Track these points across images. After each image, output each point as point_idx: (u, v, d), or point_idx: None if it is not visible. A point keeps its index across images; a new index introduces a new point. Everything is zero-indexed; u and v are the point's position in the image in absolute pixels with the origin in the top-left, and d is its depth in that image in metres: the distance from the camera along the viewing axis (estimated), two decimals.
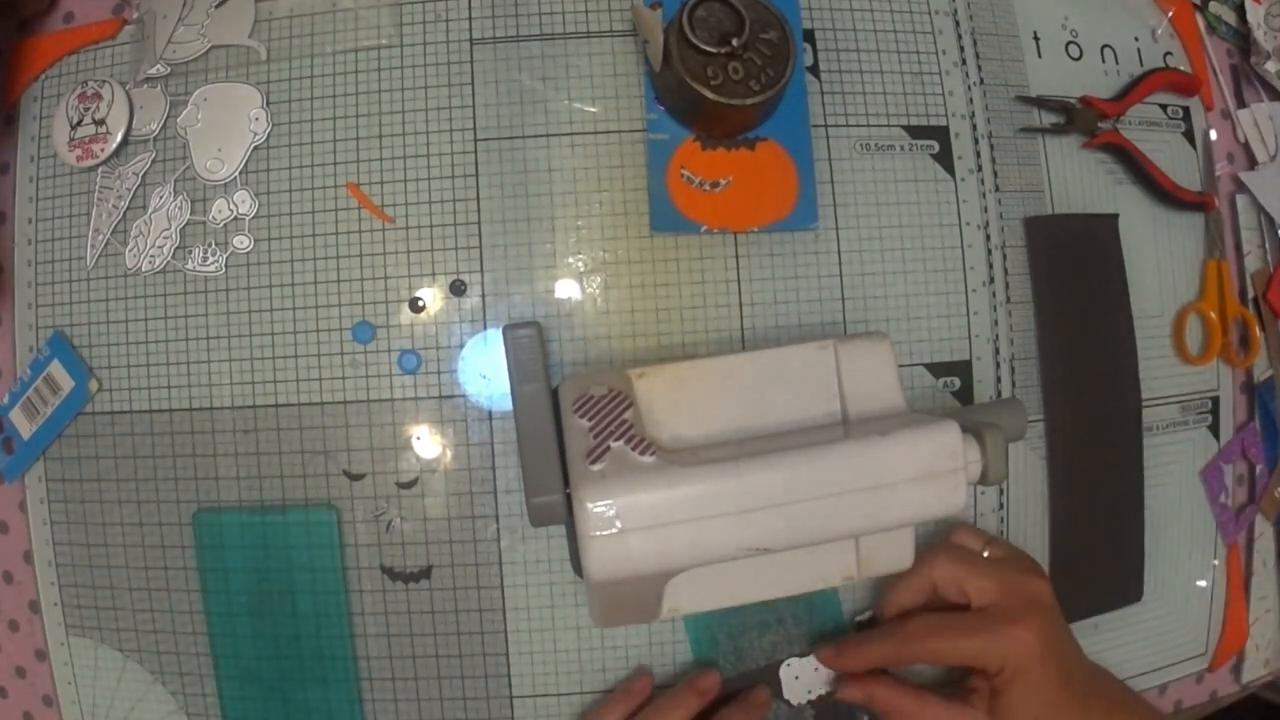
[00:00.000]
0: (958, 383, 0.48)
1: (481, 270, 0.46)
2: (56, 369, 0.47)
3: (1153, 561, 0.51)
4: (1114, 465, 0.51)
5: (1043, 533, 0.50)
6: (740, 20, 0.43)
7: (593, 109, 0.47)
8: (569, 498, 0.36)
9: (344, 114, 0.47)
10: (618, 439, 0.36)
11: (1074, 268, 0.50)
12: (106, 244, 0.48)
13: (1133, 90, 0.51)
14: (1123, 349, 0.51)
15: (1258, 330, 0.53)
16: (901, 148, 0.49)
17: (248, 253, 0.47)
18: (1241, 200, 0.54)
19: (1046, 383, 0.49)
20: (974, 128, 0.50)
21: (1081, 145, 0.51)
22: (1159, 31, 0.54)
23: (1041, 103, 0.51)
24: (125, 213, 0.47)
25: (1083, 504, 0.50)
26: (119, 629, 0.48)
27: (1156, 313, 0.52)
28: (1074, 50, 0.52)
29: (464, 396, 0.46)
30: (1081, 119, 0.50)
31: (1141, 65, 0.53)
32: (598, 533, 0.33)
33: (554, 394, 0.40)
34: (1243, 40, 0.56)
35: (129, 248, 0.47)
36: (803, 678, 0.46)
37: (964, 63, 0.50)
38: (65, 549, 0.48)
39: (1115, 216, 0.51)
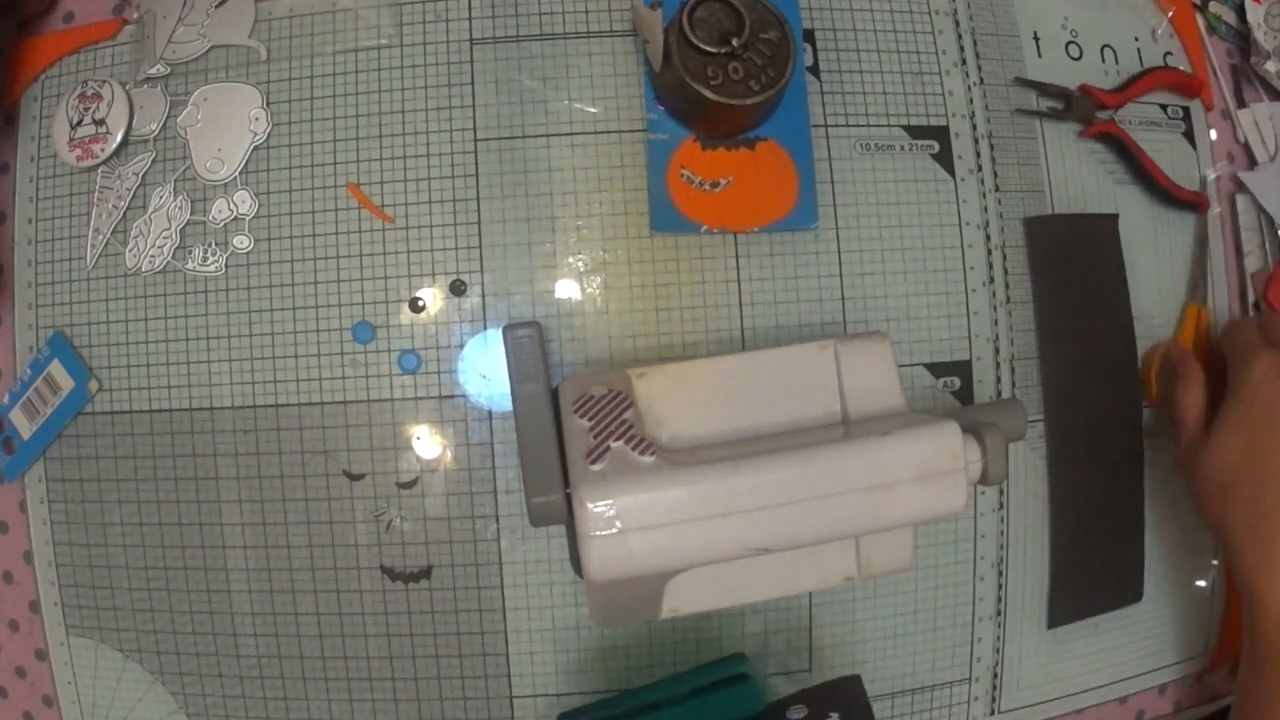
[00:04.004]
0: (958, 383, 0.48)
1: (481, 270, 0.46)
2: (56, 369, 0.47)
3: (1153, 561, 0.51)
4: (1114, 465, 0.51)
5: (1043, 533, 0.50)
6: (740, 20, 0.43)
7: (593, 109, 0.47)
8: (569, 498, 0.36)
9: (344, 114, 0.47)
10: (618, 439, 0.36)
11: (1074, 267, 0.50)
12: (106, 244, 0.48)
13: (1133, 84, 0.51)
14: (1122, 349, 0.51)
15: None
16: (901, 148, 0.49)
17: (248, 253, 0.47)
18: (1241, 200, 0.54)
19: (1046, 383, 0.49)
20: (974, 128, 0.50)
21: (1078, 134, 0.51)
22: (1159, 31, 0.54)
23: (1041, 87, 0.50)
24: (125, 213, 0.47)
25: (1083, 504, 0.50)
26: (119, 629, 0.48)
27: (1157, 312, 0.52)
28: (1074, 50, 0.52)
29: (464, 396, 0.46)
30: (1080, 106, 0.50)
31: (1141, 65, 0.53)
32: (598, 533, 0.33)
33: (554, 394, 0.40)
34: (1243, 40, 0.56)
35: (129, 248, 0.47)
36: None
37: (964, 63, 0.50)
38: (65, 549, 0.48)
39: (1115, 216, 0.51)
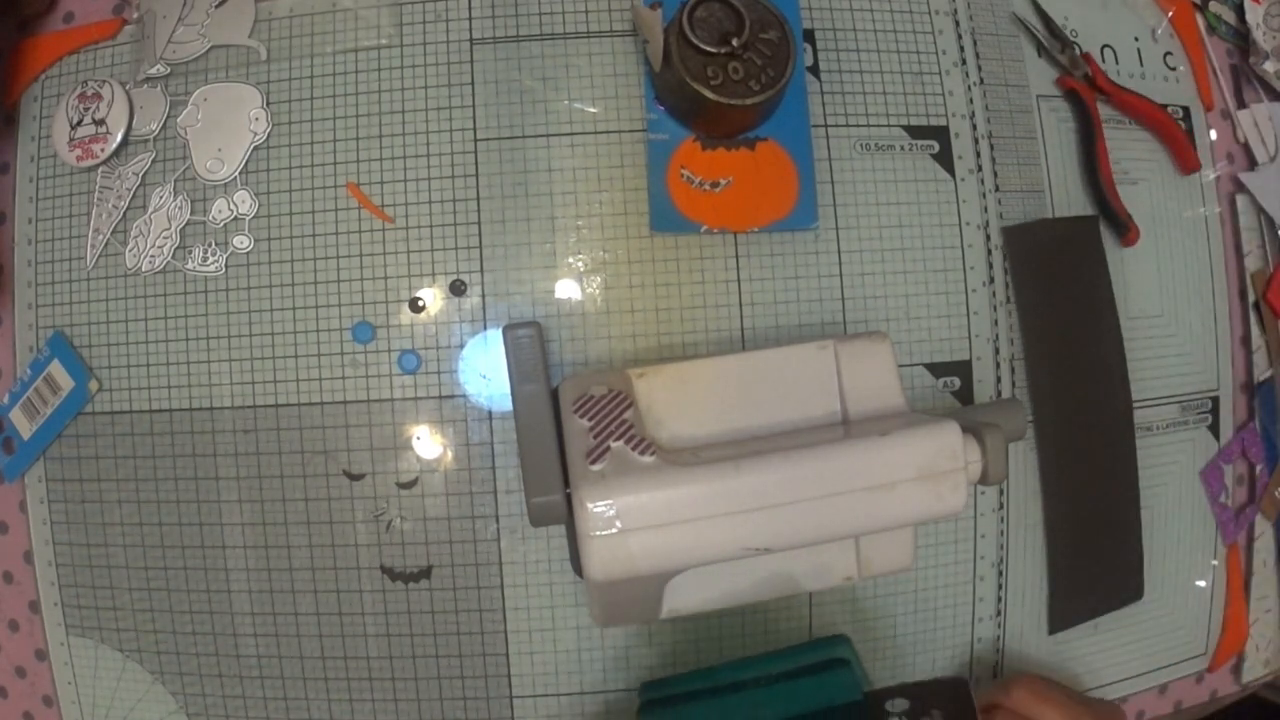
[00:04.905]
0: (958, 383, 0.48)
1: (481, 270, 0.46)
2: (56, 369, 0.47)
3: (1152, 561, 0.51)
4: (1108, 465, 0.50)
5: (1042, 533, 0.50)
6: (740, 20, 0.43)
7: (593, 109, 0.47)
8: (569, 498, 0.36)
9: (344, 114, 0.47)
10: (618, 439, 0.36)
11: (1057, 271, 0.50)
12: (106, 244, 0.48)
13: (1134, 95, 0.51)
14: (1109, 348, 0.51)
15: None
16: (901, 148, 0.49)
17: (248, 253, 0.47)
18: (1241, 200, 0.54)
19: (1034, 387, 0.49)
20: (974, 128, 0.50)
21: (1054, 80, 0.51)
22: (1159, 31, 0.54)
23: (1050, 26, 0.50)
24: (125, 213, 0.47)
25: (1077, 505, 0.50)
26: (119, 629, 0.48)
27: (1157, 312, 0.52)
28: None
29: (464, 396, 0.46)
30: (1071, 60, 0.50)
31: (1141, 65, 0.53)
32: (598, 533, 0.33)
33: (554, 394, 0.40)
34: (1242, 40, 0.56)
35: (129, 248, 0.47)
36: None
37: (964, 63, 0.50)
38: (65, 549, 0.48)
39: (1095, 218, 0.51)
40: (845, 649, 0.42)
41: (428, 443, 0.46)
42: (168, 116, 0.48)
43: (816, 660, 0.41)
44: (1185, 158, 0.52)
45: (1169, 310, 0.52)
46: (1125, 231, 0.50)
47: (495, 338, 0.46)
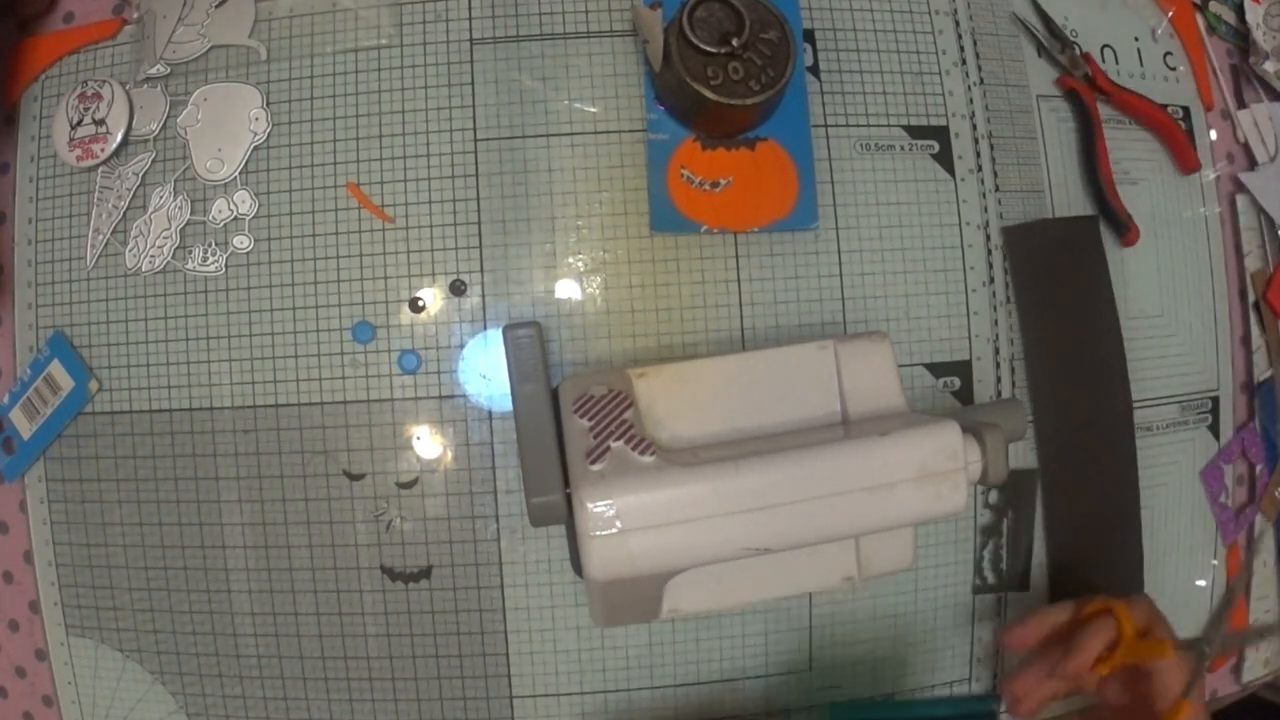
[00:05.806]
0: (958, 383, 0.48)
1: (481, 270, 0.46)
2: (56, 369, 0.47)
3: (1152, 561, 0.51)
4: (1108, 465, 0.50)
5: (1042, 533, 0.50)
6: (740, 20, 0.43)
7: (593, 109, 0.47)
8: (569, 498, 0.36)
9: (344, 114, 0.47)
10: (618, 439, 0.36)
11: (1057, 271, 0.50)
12: (106, 244, 0.48)
13: (1134, 94, 0.51)
14: (1109, 348, 0.50)
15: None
16: (901, 148, 0.49)
17: (248, 253, 0.47)
18: (1241, 200, 0.54)
19: (1034, 387, 0.49)
20: (974, 128, 0.50)
21: (1054, 80, 0.51)
22: (1159, 31, 0.54)
23: (1050, 26, 0.50)
24: (125, 213, 0.47)
25: (1077, 505, 0.50)
26: (119, 629, 0.48)
27: (1157, 312, 0.52)
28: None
29: (464, 396, 0.46)
30: (1071, 60, 0.50)
31: (1141, 65, 0.53)
32: (598, 533, 0.33)
33: (554, 394, 0.40)
34: (1242, 40, 0.56)
35: (129, 248, 0.47)
36: None
37: (964, 63, 0.50)
38: (65, 549, 0.48)
39: (1095, 218, 0.51)
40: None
41: (428, 443, 0.46)
42: (168, 116, 0.48)
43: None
44: (1185, 158, 0.52)
45: (1169, 310, 0.52)
46: (1125, 231, 0.50)
47: (495, 338, 0.46)
